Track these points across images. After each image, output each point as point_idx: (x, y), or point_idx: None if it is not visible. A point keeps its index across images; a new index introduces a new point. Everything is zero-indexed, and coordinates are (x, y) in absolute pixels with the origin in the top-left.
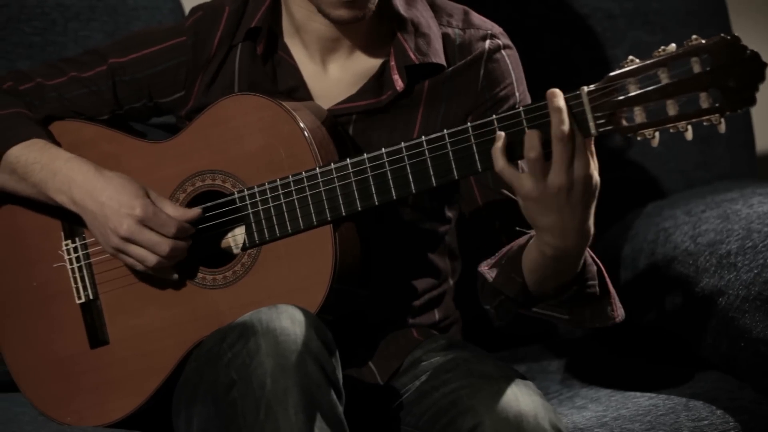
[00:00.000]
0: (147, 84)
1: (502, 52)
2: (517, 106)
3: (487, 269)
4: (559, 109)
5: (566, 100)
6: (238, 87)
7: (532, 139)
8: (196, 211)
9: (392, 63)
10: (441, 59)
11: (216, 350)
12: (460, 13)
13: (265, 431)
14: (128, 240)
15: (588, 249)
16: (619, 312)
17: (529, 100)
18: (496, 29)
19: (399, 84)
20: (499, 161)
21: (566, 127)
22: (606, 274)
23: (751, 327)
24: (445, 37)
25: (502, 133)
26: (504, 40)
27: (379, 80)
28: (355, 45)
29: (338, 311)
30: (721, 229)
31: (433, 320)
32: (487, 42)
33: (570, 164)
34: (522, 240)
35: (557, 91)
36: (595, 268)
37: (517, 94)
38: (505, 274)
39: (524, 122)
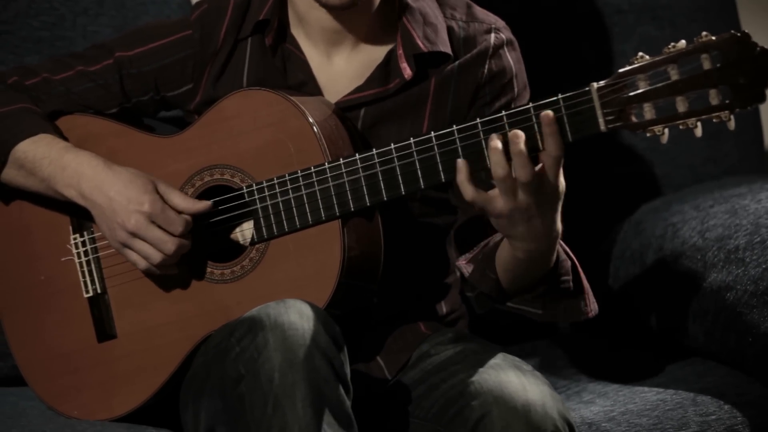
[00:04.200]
0: (154, 77)
1: (506, 48)
2: (513, 102)
3: (464, 263)
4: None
5: (574, 97)
6: (247, 81)
7: (497, 157)
8: (205, 204)
9: (400, 51)
10: (448, 49)
11: (224, 345)
12: (464, 7)
13: (273, 426)
14: (135, 235)
15: (563, 244)
16: (593, 307)
17: (527, 95)
18: (500, 23)
19: (407, 72)
20: (468, 191)
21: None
22: (581, 270)
23: (759, 322)
24: (450, 30)
25: (463, 162)
26: (507, 34)
27: (385, 69)
28: (359, 36)
29: (346, 306)
30: (729, 224)
31: (440, 313)
32: (492, 36)
33: (538, 181)
34: (497, 237)
35: (549, 113)
36: (569, 263)
37: (515, 89)
38: (480, 270)
39: (533, 118)
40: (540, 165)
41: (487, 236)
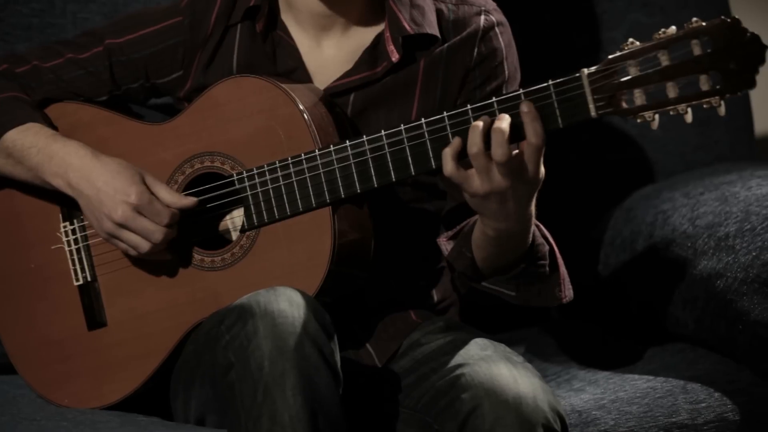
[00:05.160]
0: (144, 64)
1: (496, 29)
2: (505, 85)
3: (444, 241)
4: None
5: (565, 83)
6: (237, 68)
7: (473, 135)
8: (191, 200)
9: (387, 34)
10: (435, 31)
11: (214, 332)
12: None
13: (263, 413)
14: (122, 226)
15: (542, 229)
16: (567, 293)
17: (517, 76)
18: (490, 5)
19: (395, 55)
20: (449, 165)
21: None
22: (558, 256)
23: (750, 309)
24: (439, 13)
25: (458, 138)
26: (498, 16)
27: (373, 52)
28: (349, 21)
29: (337, 294)
30: (720, 211)
31: (431, 301)
32: (482, 18)
33: (517, 167)
34: (476, 217)
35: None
36: (546, 248)
37: (506, 72)
38: (457, 248)
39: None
40: (519, 151)
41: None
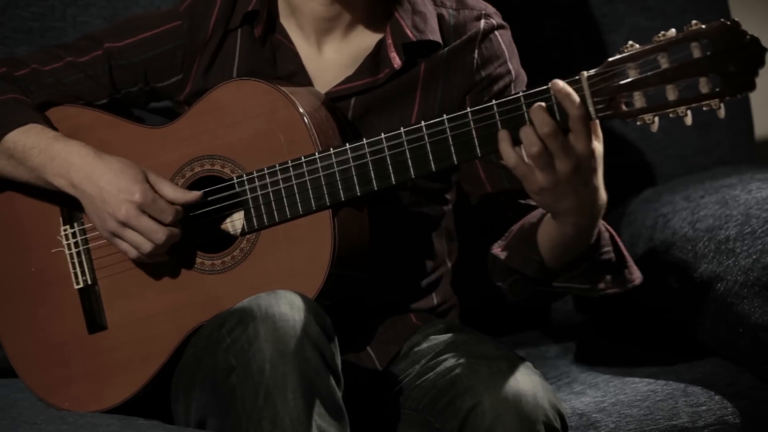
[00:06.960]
0: (143, 68)
1: (496, 32)
2: (512, 85)
3: (499, 251)
4: (566, 94)
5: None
6: (237, 72)
7: (529, 135)
8: (195, 194)
9: (389, 41)
10: (437, 37)
11: (215, 336)
12: None
13: (264, 417)
14: (125, 225)
15: None
16: (637, 275)
17: (523, 76)
18: (490, 9)
19: (397, 61)
20: (511, 158)
21: (576, 113)
22: (619, 240)
23: (750, 313)
24: (440, 18)
25: (505, 131)
26: (497, 19)
27: (375, 59)
28: (350, 25)
29: (337, 296)
30: (720, 214)
31: (431, 304)
32: (482, 22)
33: (572, 147)
34: (533, 218)
35: (558, 81)
36: (607, 234)
37: (512, 72)
38: (520, 254)
39: (524, 107)
40: (569, 132)
41: (508, 217)
